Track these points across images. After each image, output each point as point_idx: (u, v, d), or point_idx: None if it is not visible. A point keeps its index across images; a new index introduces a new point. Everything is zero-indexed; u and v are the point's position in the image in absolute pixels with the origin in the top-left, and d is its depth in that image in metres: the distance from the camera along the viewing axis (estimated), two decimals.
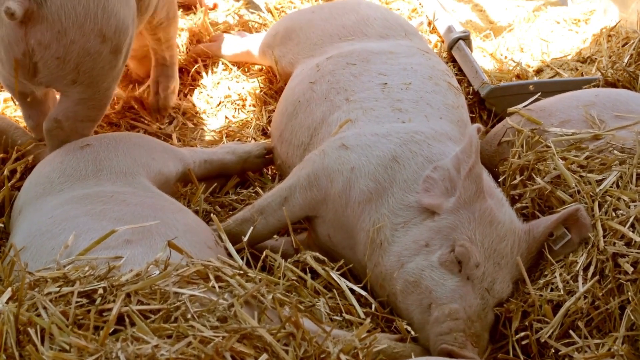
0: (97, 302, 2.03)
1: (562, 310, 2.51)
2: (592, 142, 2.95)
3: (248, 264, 2.67)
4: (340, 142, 2.95)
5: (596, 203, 2.67)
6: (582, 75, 4.15)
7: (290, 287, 2.57)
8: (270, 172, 3.55)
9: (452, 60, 4.17)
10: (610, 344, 2.40)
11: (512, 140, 3.13)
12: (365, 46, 3.45)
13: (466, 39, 4.19)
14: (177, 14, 3.85)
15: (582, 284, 2.53)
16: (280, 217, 2.94)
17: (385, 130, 2.94)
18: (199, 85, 4.19)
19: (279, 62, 3.81)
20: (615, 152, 2.84)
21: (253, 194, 3.37)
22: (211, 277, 2.16)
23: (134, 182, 2.85)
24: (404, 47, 3.45)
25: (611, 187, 2.70)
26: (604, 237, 2.57)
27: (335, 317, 2.57)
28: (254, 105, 4.04)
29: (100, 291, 2.05)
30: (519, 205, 2.88)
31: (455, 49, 4.17)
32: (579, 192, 2.75)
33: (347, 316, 2.61)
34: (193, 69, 4.25)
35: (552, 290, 2.59)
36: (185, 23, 4.43)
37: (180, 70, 4.14)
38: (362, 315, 2.62)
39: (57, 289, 2.07)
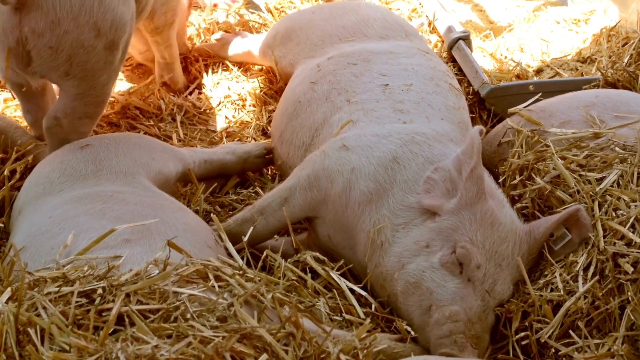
0: (97, 302, 2.02)
1: (562, 310, 2.51)
2: (592, 141, 2.95)
3: (248, 264, 2.67)
4: (341, 142, 2.95)
5: (596, 203, 2.67)
6: (582, 75, 4.15)
7: (290, 287, 2.57)
8: (270, 173, 3.55)
9: (452, 60, 4.17)
10: (610, 344, 2.40)
11: (512, 140, 3.13)
12: (365, 46, 3.45)
13: (466, 39, 4.19)
14: (176, 19, 3.87)
15: (582, 284, 2.53)
16: (281, 218, 2.94)
17: (386, 131, 2.94)
18: (199, 85, 4.20)
19: (279, 63, 3.81)
20: (617, 149, 2.84)
21: (253, 194, 3.37)
22: (211, 276, 2.16)
23: (134, 181, 2.85)
24: (404, 47, 3.45)
25: (611, 186, 2.69)
26: (604, 237, 2.57)
27: (335, 317, 2.57)
28: (254, 105, 4.05)
29: (100, 291, 2.05)
30: (518, 205, 2.88)
31: (455, 49, 4.17)
32: (578, 191, 2.74)
33: (347, 316, 2.61)
34: (193, 69, 4.26)
35: (552, 290, 2.59)
36: (195, 19, 4.44)
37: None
38: (362, 315, 2.62)
39: (57, 288, 2.07)
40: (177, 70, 4.05)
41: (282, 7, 4.67)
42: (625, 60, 3.77)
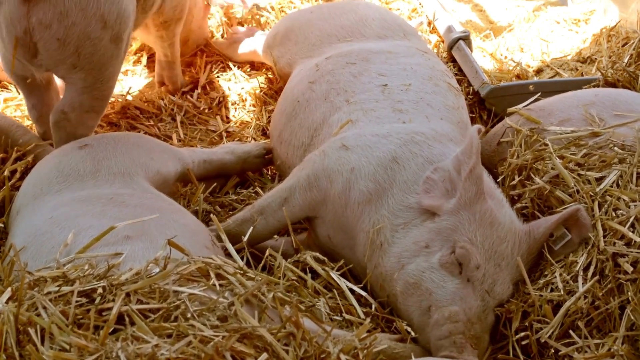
0: (97, 301, 2.02)
1: (562, 310, 2.51)
2: (591, 139, 2.95)
3: (248, 264, 2.67)
4: (341, 142, 2.95)
5: (596, 203, 2.67)
6: (582, 75, 4.15)
7: (291, 287, 2.57)
8: (270, 172, 3.55)
9: (452, 60, 4.17)
10: (610, 344, 2.40)
11: (512, 140, 3.13)
12: (364, 46, 3.45)
13: (466, 39, 4.19)
14: (184, 15, 3.88)
15: (582, 284, 2.53)
16: (280, 218, 2.93)
17: (386, 131, 2.94)
18: (199, 85, 4.20)
19: (277, 63, 3.81)
20: (616, 148, 2.84)
21: (253, 194, 3.37)
22: (212, 274, 2.16)
23: (133, 182, 2.85)
24: (403, 47, 3.45)
25: (611, 186, 2.69)
26: (604, 237, 2.57)
27: (335, 317, 2.57)
28: (254, 105, 4.05)
29: (100, 290, 2.05)
30: (518, 205, 2.87)
31: (455, 49, 4.17)
32: (578, 191, 2.74)
33: (347, 316, 2.61)
34: (193, 70, 4.26)
35: (552, 290, 2.59)
36: (216, 12, 4.46)
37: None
38: (362, 315, 2.62)
39: (57, 288, 2.07)
40: (177, 70, 4.06)
41: (281, 7, 4.66)
42: (625, 60, 3.77)
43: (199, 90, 4.13)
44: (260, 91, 4.08)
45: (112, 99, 3.82)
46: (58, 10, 2.83)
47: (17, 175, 3.12)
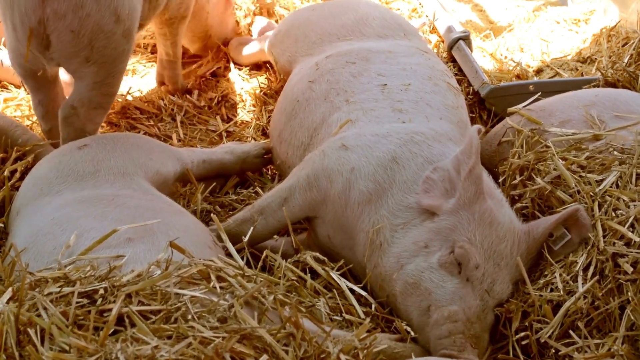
0: (98, 302, 2.02)
1: (562, 311, 2.51)
2: (592, 142, 2.95)
3: (248, 264, 2.67)
4: (340, 142, 2.95)
5: (596, 203, 2.67)
6: (582, 75, 4.15)
7: (291, 287, 2.57)
8: (269, 172, 3.55)
9: (452, 60, 4.18)
10: (610, 344, 2.40)
11: (512, 140, 3.13)
12: (364, 45, 3.44)
13: (466, 39, 4.19)
14: (189, 14, 3.89)
15: (582, 284, 2.53)
16: (280, 218, 2.93)
17: (385, 131, 2.94)
18: (199, 85, 4.20)
19: (278, 61, 3.81)
20: (615, 152, 2.84)
21: (253, 194, 3.37)
22: (213, 277, 2.16)
23: (133, 183, 2.85)
24: (403, 47, 3.45)
25: (611, 187, 2.69)
26: (604, 237, 2.57)
27: (335, 317, 2.57)
28: (253, 105, 4.05)
29: (101, 291, 2.05)
30: (519, 205, 2.88)
31: (455, 49, 4.17)
32: (578, 192, 2.74)
33: (347, 316, 2.61)
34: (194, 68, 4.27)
35: (552, 290, 2.59)
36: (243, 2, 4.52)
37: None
38: (362, 315, 2.62)
39: (58, 289, 2.07)
40: (178, 70, 4.07)
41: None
42: (625, 60, 3.77)
43: (199, 90, 4.13)
44: (260, 91, 4.08)
45: None
46: (73, 2, 2.85)
47: (17, 175, 3.12)
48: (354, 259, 2.86)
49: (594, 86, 3.64)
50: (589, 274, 2.54)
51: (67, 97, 3.25)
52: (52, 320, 1.95)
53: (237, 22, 4.48)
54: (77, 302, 2.02)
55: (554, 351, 2.50)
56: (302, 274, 2.72)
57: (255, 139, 3.80)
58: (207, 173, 3.36)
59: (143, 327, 1.94)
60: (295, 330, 2.03)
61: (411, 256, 2.66)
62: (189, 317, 2.00)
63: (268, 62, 4.21)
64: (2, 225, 2.91)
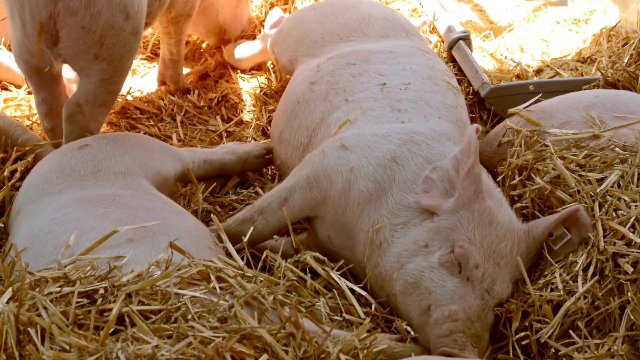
0: (98, 302, 2.03)
1: (562, 310, 2.51)
2: (592, 140, 2.95)
3: (248, 264, 2.67)
4: (340, 142, 2.95)
5: (596, 203, 2.67)
6: (582, 75, 4.15)
7: (291, 287, 2.57)
8: (270, 172, 3.55)
9: (452, 60, 4.18)
10: (610, 344, 2.40)
11: (512, 140, 3.13)
12: (365, 46, 3.44)
13: (466, 39, 4.19)
14: (194, 13, 3.90)
15: (582, 284, 2.53)
16: (280, 218, 2.94)
17: (385, 131, 2.94)
18: (198, 85, 4.20)
19: (279, 60, 3.81)
20: (617, 149, 2.84)
21: (253, 194, 3.37)
22: (212, 277, 2.16)
23: (133, 183, 2.85)
24: (404, 47, 3.45)
25: (612, 186, 2.69)
26: (604, 237, 2.57)
27: (335, 317, 2.57)
28: (254, 105, 4.05)
29: (101, 291, 2.05)
30: (518, 205, 2.88)
31: (455, 49, 4.17)
32: (579, 192, 2.74)
33: (347, 316, 2.61)
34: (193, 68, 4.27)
35: (552, 290, 2.59)
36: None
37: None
38: (362, 315, 2.62)
39: (58, 289, 2.07)
40: (180, 69, 4.07)
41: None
42: (625, 60, 3.77)
43: (199, 90, 4.13)
44: (260, 91, 4.08)
45: None
46: None
47: (17, 175, 3.12)
48: (354, 259, 2.86)
49: (594, 86, 3.64)
50: (589, 274, 2.54)
51: (68, 95, 3.26)
52: (53, 319, 1.95)
53: (250, 18, 4.50)
54: (77, 302, 2.02)
55: (554, 351, 2.50)
56: (302, 274, 2.72)
57: (255, 139, 3.80)
58: (208, 173, 3.36)
59: (143, 326, 1.94)
60: (295, 330, 2.03)
61: (411, 256, 2.66)
62: (189, 316, 2.00)
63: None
64: (2, 225, 2.91)
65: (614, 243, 2.53)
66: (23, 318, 1.95)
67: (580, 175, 2.79)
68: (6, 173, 3.07)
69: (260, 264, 2.64)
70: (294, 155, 3.24)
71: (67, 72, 3.49)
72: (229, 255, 2.57)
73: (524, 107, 3.29)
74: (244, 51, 4.27)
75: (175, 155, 3.21)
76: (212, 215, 3.04)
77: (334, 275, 2.74)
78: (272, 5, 4.57)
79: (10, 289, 2.07)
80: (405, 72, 3.25)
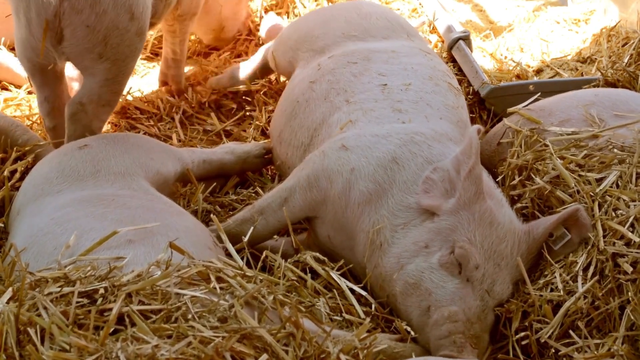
0: (98, 302, 2.03)
1: (562, 311, 2.51)
2: (591, 140, 2.95)
3: (248, 264, 2.67)
4: (340, 142, 2.95)
5: (596, 203, 2.67)
6: (582, 75, 4.15)
7: (291, 287, 2.57)
8: (269, 173, 3.55)
9: (452, 60, 4.18)
10: (610, 344, 2.40)
11: (512, 140, 3.13)
12: (367, 45, 3.44)
13: (466, 39, 4.19)
14: (198, 12, 3.91)
15: (582, 284, 2.53)
16: (280, 218, 2.93)
17: (385, 131, 2.94)
18: (198, 85, 4.20)
19: (280, 64, 3.78)
20: (615, 150, 2.84)
21: (253, 194, 3.37)
22: (212, 278, 2.16)
23: (133, 183, 2.85)
24: (406, 47, 3.45)
25: (611, 186, 2.69)
26: (604, 237, 2.57)
27: (335, 317, 2.57)
28: (253, 105, 4.04)
29: (101, 291, 2.05)
30: (518, 205, 2.88)
31: (455, 49, 4.17)
32: (578, 192, 2.74)
33: (347, 316, 2.61)
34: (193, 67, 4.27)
35: (552, 290, 2.59)
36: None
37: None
38: (362, 315, 2.62)
39: (58, 289, 2.07)
40: (182, 69, 4.08)
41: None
42: (625, 60, 3.77)
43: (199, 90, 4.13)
44: (260, 91, 4.08)
45: None
46: None
47: (17, 175, 3.12)
48: (354, 259, 2.86)
49: (594, 86, 3.64)
50: (589, 274, 2.55)
51: (70, 94, 3.26)
52: (53, 319, 1.95)
53: (249, 14, 4.50)
54: (77, 302, 2.02)
55: (554, 351, 2.50)
56: (302, 274, 2.72)
57: (255, 139, 3.80)
58: (208, 173, 3.35)
59: (143, 326, 1.94)
60: (295, 330, 2.03)
61: (411, 256, 2.66)
62: (189, 316, 2.00)
63: None
64: (2, 225, 2.91)
65: (614, 243, 2.54)
66: (23, 318, 1.95)
67: (579, 176, 2.79)
68: (6, 173, 3.07)
69: (260, 264, 2.64)
70: (294, 156, 3.24)
71: (69, 71, 3.49)
72: (229, 255, 2.57)
73: (524, 106, 3.29)
74: (242, 72, 4.23)
75: (175, 155, 3.21)
76: (212, 215, 3.04)
77: (334, 275, 2.74)
78: (266, 10, 4.57)
79: (10, 289, 2.07)
80: (407, 72, 3.25)
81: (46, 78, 3.19)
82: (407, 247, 2.68)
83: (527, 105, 3.31)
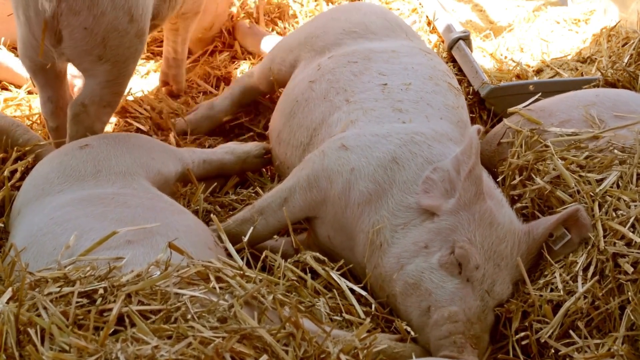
0: (98, 302, 2.03)
1: (562, 311, 2.51)
2: (592, 141, 2.95)
3: (248, 264, 2.67)
4: (340, 142, 2.94)
5: (596, 203, 2.67)
6: (582, 75, 4.15)
7: (290, 287, 2.57)
8: (269, 173, 3.55)
9: (452, 60, 4.18)
10: (610, 344, 2.40)
11: (512, 140, 3.13)
12: (367, 45, 3.44)
13: (466, 39, 4.19)
14: (201, 10, 3.92)
15: (582, 284, 2.53)
16: (280, 218, 2.93)
17: (385, 131, 2.94)
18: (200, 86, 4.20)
19: (279, 72, 3.71)
20: (616, 151, 2.84)
21: (253, 194, 3.37)
22: (212, 278, 2.16)
23: (133, 182, 2.85)
24: (406, 47, 3.45)
25: (611, 187, 2.69)
26: (604, 237, 2.57)
27: (335, 317, 2.57)
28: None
29: (101, 291, 2.05)
30: (518, 205, 2.88)
31: (455, 49, 4.17)
32: (578, 192, 2.74)
33: (347, 316, 2.61)
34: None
35: (552, 290, 2.59)
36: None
37: None
38: (362, 315, 2.62)
39: (58, 289, 2.07)
40: (183, 69, 4.08)
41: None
42: (625, 60, 3.77)
43: (199, 90, 4.12)
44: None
45: None
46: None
47: (17, 175, 3.12)
48: (354, 260, 2.86)
49: (594, 86, 3.64)
50: (589, 274, 2.55)
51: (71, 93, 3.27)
52: (52, 320, 1.95)
53: (232, 14, 4.51)
54: (77, 302, 2.02)
55: (554, 351, 2.50)
56: (302, 274, 2.72)
57: (256, 139, 3.80)
58: (208, 173, 3.36)
59: (143, 326, 1.94)
60: (295, 330, 2.03)
61: (411, 257, 2.66)
62: (189, 317, 2.00)
63: None
64: (2, 225, 2.91)
65: (614, 243, 2.54)
66: (23, 318, 1.95)
67: (580, 176, 2.79)
68: (6, 173, 3.07)
69: (260, 264, 2.64)
70: (293, 155, 3.23)
71: (72, 68, 3.49)
72: (229, 255, 2.57)
73: (524, 107, 3.29)
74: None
75: (175, 155, 3.21)
76: (212, 215, 3.04)
77: (334, 275, 2.74)
78: (266, 19, 4.57)
79: (10, 289, 2.07)
80: (407, 72, 3.25)
81: (48, 78, 3.19)
82: (407, 248, 2.68)
83: (527, 105, 3.31)
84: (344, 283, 2.72)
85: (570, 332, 2.50)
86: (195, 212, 3.10)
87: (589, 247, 2.60)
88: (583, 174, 2.79)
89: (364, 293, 2.73)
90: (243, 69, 4.25)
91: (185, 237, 2.50)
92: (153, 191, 2.87)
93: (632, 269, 2.46)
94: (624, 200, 2.62)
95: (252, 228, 2.87)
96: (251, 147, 3.49)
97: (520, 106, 3.30)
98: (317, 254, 2.82)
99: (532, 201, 2.86)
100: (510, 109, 3.29)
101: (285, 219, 2.91)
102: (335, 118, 3.12)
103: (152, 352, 1.85)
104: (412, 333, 2.59)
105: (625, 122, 2.99)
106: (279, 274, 2.66)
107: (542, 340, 2.51)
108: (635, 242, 2.49)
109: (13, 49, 4.01)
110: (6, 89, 4.03)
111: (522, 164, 2.94)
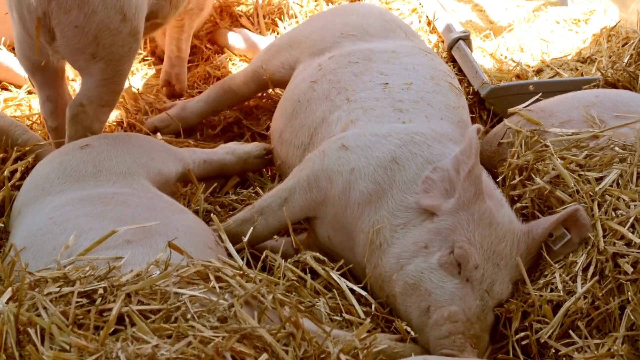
0: (98, 302, 2.03)
1: (562, 311, 2.51)
2: (592, 141, 2.95)
3: (248, 264, 2.67)
4: (340, 142, 2.95)
5: (596, 203, 2.67)
6: (582, 75, 4.15)
7: (290, 287, 2.57)
8: (270, 173, 3.55)
9: (452, 60, 4.18)
10: (610, 344, 2.40)
11: (512, 140, 3.13)
12: (368, 46, 3.44)
13: (466, 39, 4.19)
14: (204, 7, 3.92)
15: (582, 284, 2.53)
16: (280, 218, 2.93)
17: (385, 131, 2.94)
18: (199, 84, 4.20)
19: (275, 74, 3.70)
20: (617, 148, 2.84)
21: (253, 194, 3.37)
22: (211, 277, 2.16)
23: (134, 182, 2.85)
24: (407, 47, 3.45)
25: (611, 186, 2.69)
26: (604, 237, 2.57)
27: (335, 317, 2.57)
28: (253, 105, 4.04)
29: (101, 291, 2.05)
30: (518, 205, 2.88)
31: (455, 49, 4.17)
32: (578, 191, 2.74)
33: (347, 316, 2.61)
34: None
35: (552, 290, 2.59)
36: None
37: None
38: (362, 315, 2.62)
39: (58, 289, 2.07)
40: (185, 68, 4.07)
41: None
42: (625, 60, 3.77)
43: (199, 90, 4.12)
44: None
45: None
46: None
47: (17, 175, 3.12)
48: (354, 260, 2.86)
49: (594, 86, 3.64)
50: (589, 274, 2.55)
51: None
52: (52, 319, 1.95)
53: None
54: (76, 302, 2.02)
55: (554, 351, 2.50)
56: (302, 274, 2.72)
57: (256, 139, 3.80)
58: (208, 173, 3.36)
59: (143, 326, 1.94)
60: (295, 330, 2.04)
61: (411, 257, 2.66)
62: (189, 316, 2.00)
63: None
64: (2, 225, 2.91)
65: (614, 243, 2.54)
66: (23, 318, 1.95)
67: (579, 175, 2.78)
68: (6, 173, 3.07)
69: (260, 264, 2.64)
70: (294, 155, 3.23)
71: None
72: (229, 255, 2.57)
73: (524, 107, 3.29)
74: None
75: (176, 155, 3.21)
76: (212, 215, 3.04)
77: (334, 275, 2.74)
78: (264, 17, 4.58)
79: (10, 289, 2.07)
80: (408, 72, 3.25)
81: (46, 77, 3.19)
82: (406, 248, 2.68)
83: (527, 105, 3.31)
84: (344, 283, 2.72)
85: (570, 332, 2.50)
86: (196, 212, 3.10)
87: (589, 247, 2.60)
88: (582, 173, 2.79)
89: (364, 293, 2.73)
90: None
91: (185, 236, 2.50)
92: (153, 191, 2.87)
93: (632, 269, 2.46)
94: (624, 200, 2.62)
95: (252, 228, 2.88)
96: (252, 147, 3.49)
97: (521, 106, 3.30)
98: (317, 254, 2.82)
99: (531, 201, 2.86)
100: (511, 110, 3.29)
101: (285, 219, 2.92)
102: (336, 117, 3.12)
103: (153, 351, 1.85)
104: (412, 333, 2.59)
105: (626, 121, 2.99)
106: (279, 274, 2.66)
107: (542, 340, 2.51)
108: (635, 242, 2.49)
109: (13, 49, 4.00)
110: (6, 89, 4.03)
111: (522, 164, 2.94)
